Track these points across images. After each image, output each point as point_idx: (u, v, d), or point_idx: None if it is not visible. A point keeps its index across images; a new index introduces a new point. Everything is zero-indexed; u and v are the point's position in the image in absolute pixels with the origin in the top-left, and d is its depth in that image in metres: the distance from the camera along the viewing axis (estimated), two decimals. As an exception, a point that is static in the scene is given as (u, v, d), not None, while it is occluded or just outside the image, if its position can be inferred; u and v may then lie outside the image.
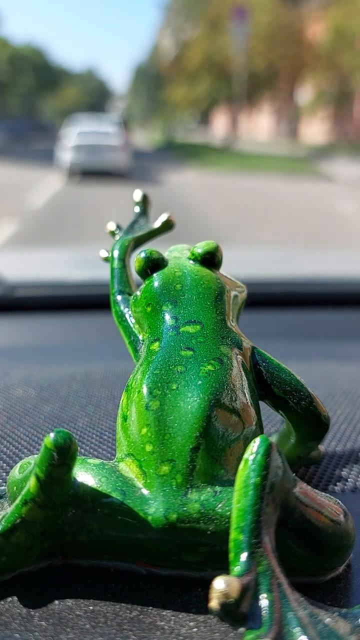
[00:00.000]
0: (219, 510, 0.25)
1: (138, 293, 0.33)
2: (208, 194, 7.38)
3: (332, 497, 0.27)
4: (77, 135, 9.68)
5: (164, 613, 0.24)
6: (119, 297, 0.36)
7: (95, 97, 53.33)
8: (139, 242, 0.40)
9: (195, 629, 0.24)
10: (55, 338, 0.75)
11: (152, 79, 31.16)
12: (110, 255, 0.39)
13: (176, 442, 0.26)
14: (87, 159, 9.20)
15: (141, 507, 0.25)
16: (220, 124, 30.48)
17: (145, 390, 0.28)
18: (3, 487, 0.30)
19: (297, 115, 20.60)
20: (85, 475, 0.27)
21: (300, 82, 18.25)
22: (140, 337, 0.33)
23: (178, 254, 0.35)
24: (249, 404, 0.28)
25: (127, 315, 0.34)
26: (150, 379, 0.28)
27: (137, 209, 0.42)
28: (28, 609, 0.25)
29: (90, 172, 9.15)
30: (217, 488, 0.25)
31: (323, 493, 0.27)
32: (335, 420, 0.42)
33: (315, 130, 19.80)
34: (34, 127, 30.73)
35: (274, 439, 0.34)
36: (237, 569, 0.21)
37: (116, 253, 0.38)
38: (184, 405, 0.27)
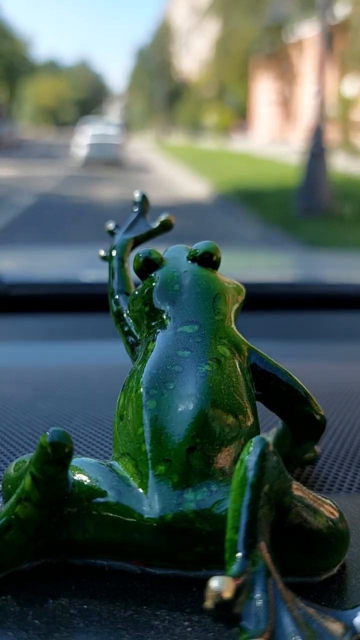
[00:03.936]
0: (215, 510, 0.25)
1: (136, 293, 0.33)
2: None
3: (327, 498, 0.27)
4: (90, 136, 13.34)
5: (158, 612, 0.24)
6: (117, 297, 0.36)
7: (87, 93, 47.90)
8: (137, 242, 0.40)
9: (189, 629, 0.24)
10: (52, 337, 0.75)
11: (157, 64, 27.13)
12: (108, 254, 0.39)
13: (172, 441, 0.26)
14: (97, 154, 12.95)
15: (136, 506, 0.25)
16: (265, 124, 19.29)
17: (142, 389, 0.28)
18: None
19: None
20: (80, 474, 0.26)
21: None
22: (138, 336, 0.33)
23: (177, 254, 0.35)
24: (246, 404, 0.28)
25: (124, 315, 0.34)
26: (147, 378, 0.28)
27: (136, 209, 0.42)
28: (22, 607, 0.24)
29: (98, 163, 12.45)
30: (213, 488, 0.25)
31: (318, 494, 0.27)
32: (331, 421, 0.42)
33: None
34: None
35: (270, 439, 0.34)
36: (232, 568, 0.21)
37: (115, 252, 0.38)
38: (180, 405, 0.27)
